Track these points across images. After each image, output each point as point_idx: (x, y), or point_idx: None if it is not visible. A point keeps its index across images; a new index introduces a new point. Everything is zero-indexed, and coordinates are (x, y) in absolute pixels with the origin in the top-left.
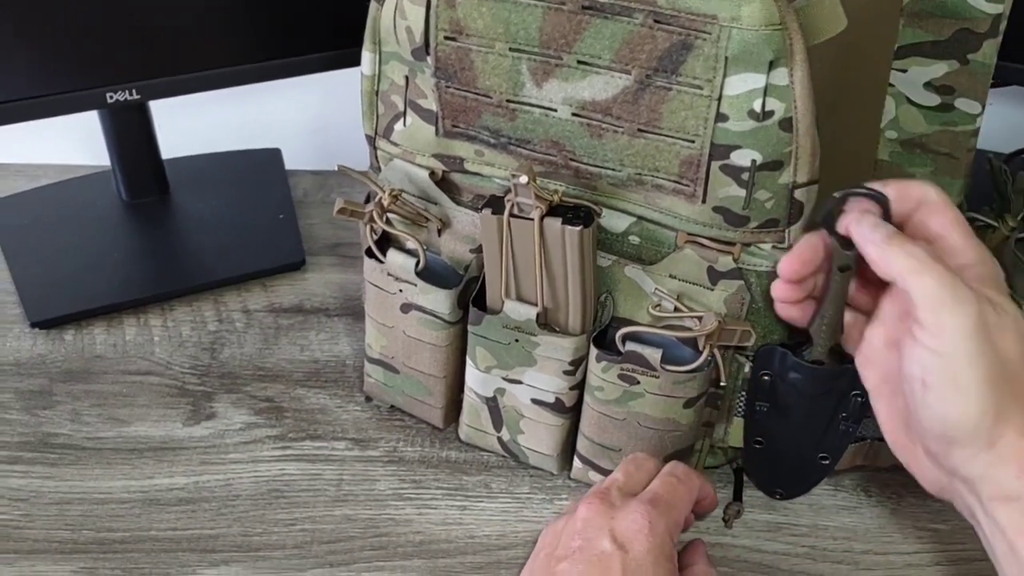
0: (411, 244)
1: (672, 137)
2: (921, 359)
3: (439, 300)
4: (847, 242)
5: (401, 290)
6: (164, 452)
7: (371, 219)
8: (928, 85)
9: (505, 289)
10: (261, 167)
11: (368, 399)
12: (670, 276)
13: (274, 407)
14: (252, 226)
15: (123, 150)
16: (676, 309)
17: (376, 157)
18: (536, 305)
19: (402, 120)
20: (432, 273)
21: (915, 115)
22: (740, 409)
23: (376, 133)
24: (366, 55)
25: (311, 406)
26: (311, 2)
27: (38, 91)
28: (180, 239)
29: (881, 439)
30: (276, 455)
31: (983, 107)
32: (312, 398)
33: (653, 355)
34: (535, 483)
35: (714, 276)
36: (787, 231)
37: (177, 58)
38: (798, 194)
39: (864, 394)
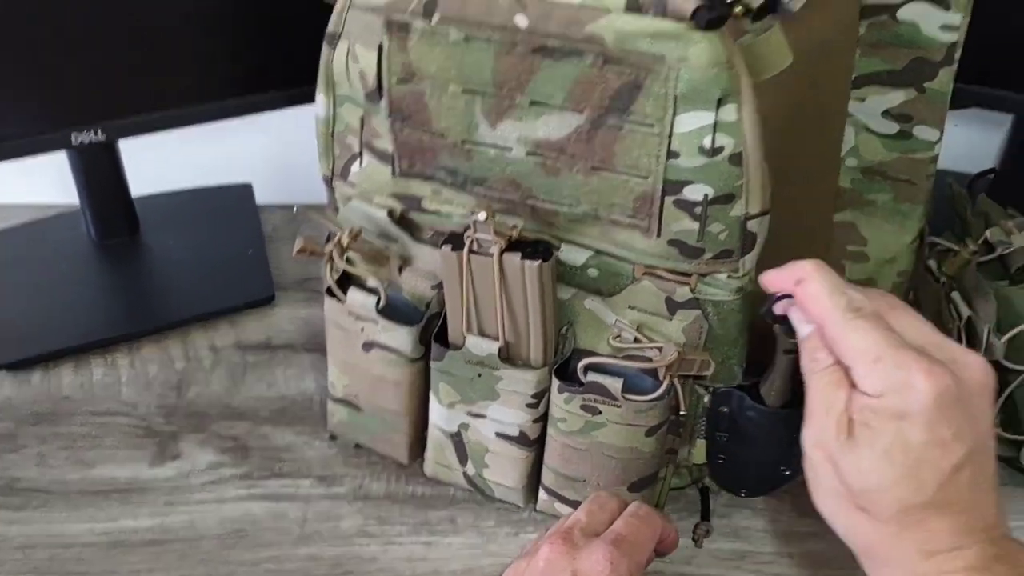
0: (372, 282)
1: (626, 174)
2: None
3: (401, 337)
4: (791, 329)
5: (363, 328)
6: (130, 494)
7: (331, 258)
8: (886, 113)
9: (466, 324)
10: (232, 203)
11: (333, 437)
12: (629, 307)
13: (240, 446)
14: (222, 263)
15: (92, 190)
16: (636, 340)
17: (334, 197)
18: (498, 339)
19: (358, 161)
20: (394, 310)
21: (874, 143)
22: (702, 432)
23: (333, 174)
24: (320, 98)
25: (277, 444)
26: (273, 40)
27: (2, 134)
28: (149, 278)
29: None
30: (241, 494)
31: (941, 134)
32: (278, 436)
33: (614, 385)
34: (501, 516)
35: (672, 307)
36: (741, 261)
37: (142, 97)
38: (751, 225)
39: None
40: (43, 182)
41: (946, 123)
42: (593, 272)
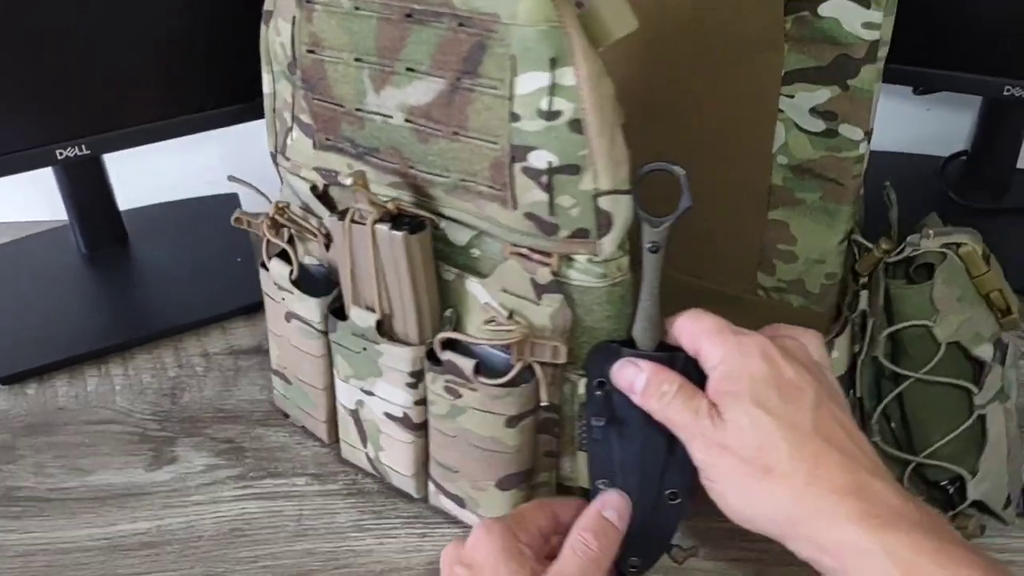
0: (291, 254)
1: (480, 139)
2: None
3: (310, 308)
4: (656, 220)
5: (284, 299)
6: (127, 499)
7: (263, 230)
8: (813, 111)
9: (350, 295)
10: (219, 212)
11: (287, 416)
12: (503, 290)
13: (235, 447)
14: (211, 271)
15: (79, 204)
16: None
17: (279, 173)
18: (375, 312)
19: (290, 135)
20: (315, 283)
21: (803, 141)
22: (583, 441)
23: (276, 149)
24: (264, 75)
25: (271, 444)
26: (255, 51)
27: None
28: (140, 288)
29: None
30: (237, 495)
31: (866, 133)
32: (272, 436)
33: (467, 364)
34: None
35: (538, 290)
36: (598, 243)
37: (125, 111)
38: (603, 203)
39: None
40: (28, 200)
41: (920, 107)
42: (475, 252)
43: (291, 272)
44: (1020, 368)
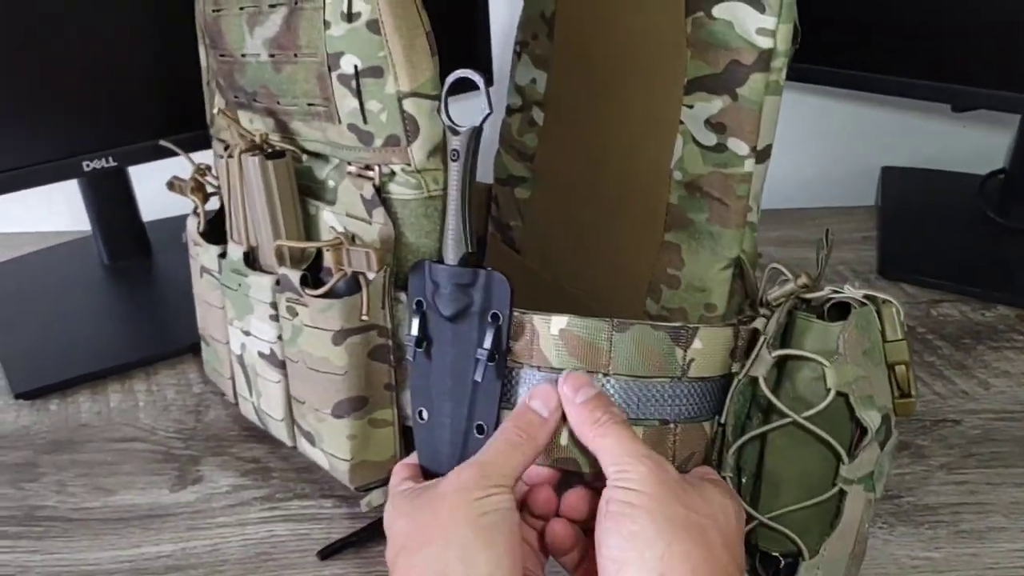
0: (199, 207)
1: (308, 56)
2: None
3: (212, 257)
4: (456, 127)
5: (197, 255)
6: (151, 520)
7: (191, 191)
8: (707, 122)
9: (229, 230)
10: None
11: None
12: (348, 215)
13: (260, 468)
14: None
15: (103, 215)
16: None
17: (212, 143)
18: (242, 244)
19: (214, 102)
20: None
21: (696, 155)
22: None
23: (209, 121)
24: (200, 48)
25: (298, 464)
26: None
27: (14, 164)
28: (163, 301)
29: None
30: (264, 516)
31: (752, 149)
32: (298, 456)
33: (294, 276)
34: None
35: (367, 206)
36: (409, 150)
37: (151, 124)
38: (407, 105)
39: (501, 316)
40: (52, 211)
41: (957, 124)
42: (331, 183)
43: (198, 224)
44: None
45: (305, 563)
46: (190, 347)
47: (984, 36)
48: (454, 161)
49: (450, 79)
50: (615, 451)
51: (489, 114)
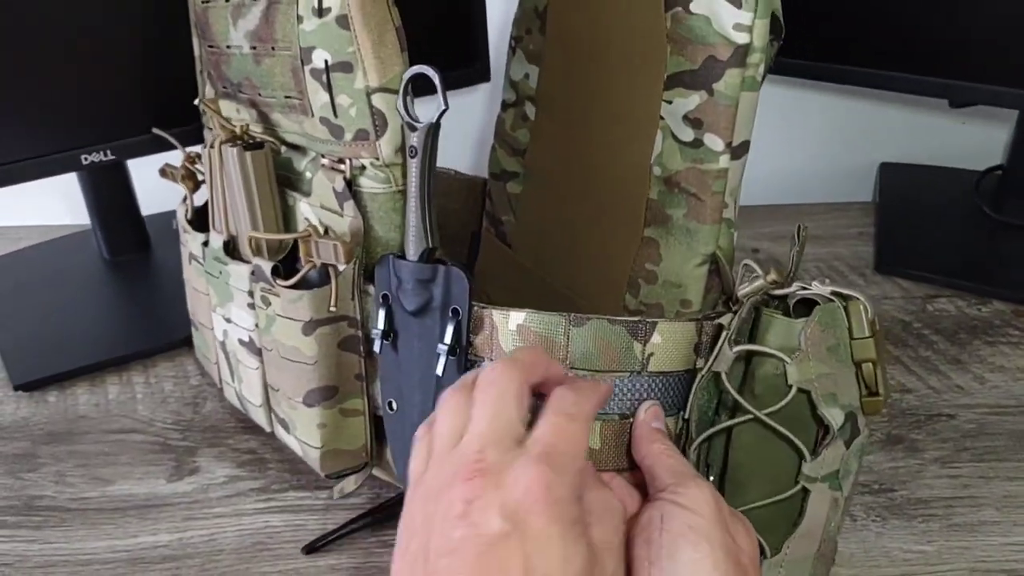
0: (187, 195)
1: (282, 49)
2: None
3: (198, 243)
4: (414, 123)
5: (186, 241)
6: (148, 510)
7: (181, 178)
8: (685, 118)
9: (212, 219)
10: None
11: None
12: (322, 207)
13: (257, 459)
14: None
15: (102, 209)
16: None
17: (204, 130)
18: (223, 233)
19: (204, 91)
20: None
21: (675, 150)
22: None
23: (202, 111)
24: (194, 38)
25: (293, 456)
26: None
27: (12, 156)
28: (162, 294)
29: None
30: (260, 507)
31: (727, 145)
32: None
33: (266, 266)
34: None
35: (339, 199)
36: (377, 144)
37: (150, 117)
38: (375, 100)
39: (460, 311)
40: (51, 204)
41: (956, 120)
42: (308, 174)
43: (187, 212)
44: (861, 469)
45: (300, 554)
46: (187, 340)
47: (982, 32)
48: (412, 157)
49: (407, 74)
50: (674, 467)
51: (444, 110)
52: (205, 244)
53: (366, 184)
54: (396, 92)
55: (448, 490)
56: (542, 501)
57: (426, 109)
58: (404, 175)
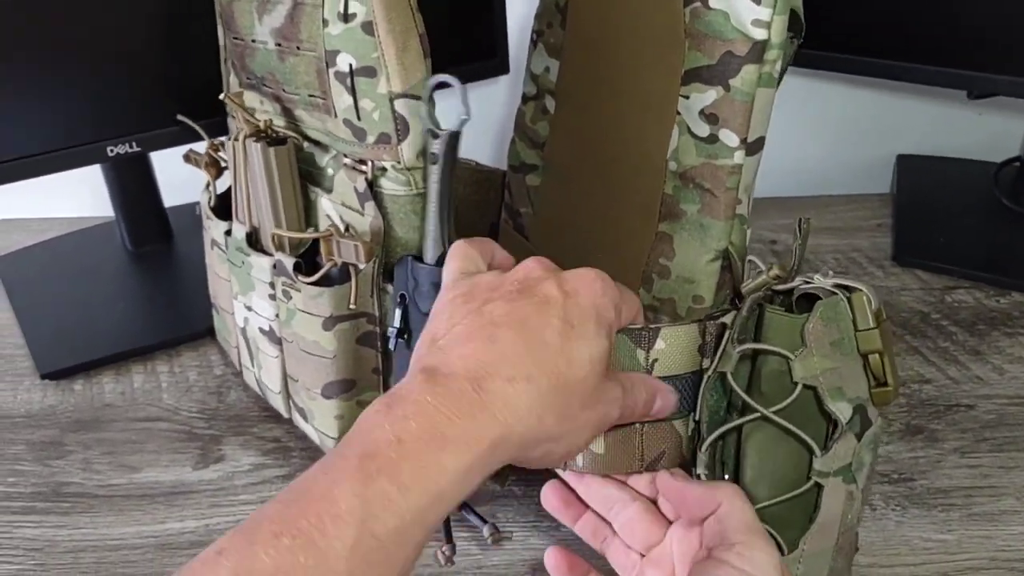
0: (211, 182)
1: (308, 50)
2: None
3: (220, 231)
4: (436, 131)
5: (208, 227)
6: (175, 497)
7: (205, 166)
8: (701, 113)
9: (235, 210)
10: None
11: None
12: (343, 204)
13: (281, 447)
14: None
15: (126, 200)
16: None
17: (228, 119)
18: (246, 224)
19: (228, 81)
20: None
21: (690, 145)
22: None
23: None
24: (219, 28)
25: (318, 443)
26: None
27: (39, 148)
28: (185, 285)
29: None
30: None
31: (742, 141)
32: None
33: (288, 261)
34: (541, 511)
35: (360, 198)
36: (399, 148)
37: (175, 109)
38: (398, 107)
39: None
40: (75, 196)
41: (973, 112)
42: (330, 171)
43: (209, 199)
44: (878, 460)
45: None
46: (211, 330)
47: (1001, 23)
48: (433, 164)
49: (431, 83)
50: (743, 518)
51: (466, 120)
52: (227, 233)
53: (387, 186)
54: (419, 98)
55: (500, 286)
56: (595, 286)
57: (447, 105)
58: (425, 179)
